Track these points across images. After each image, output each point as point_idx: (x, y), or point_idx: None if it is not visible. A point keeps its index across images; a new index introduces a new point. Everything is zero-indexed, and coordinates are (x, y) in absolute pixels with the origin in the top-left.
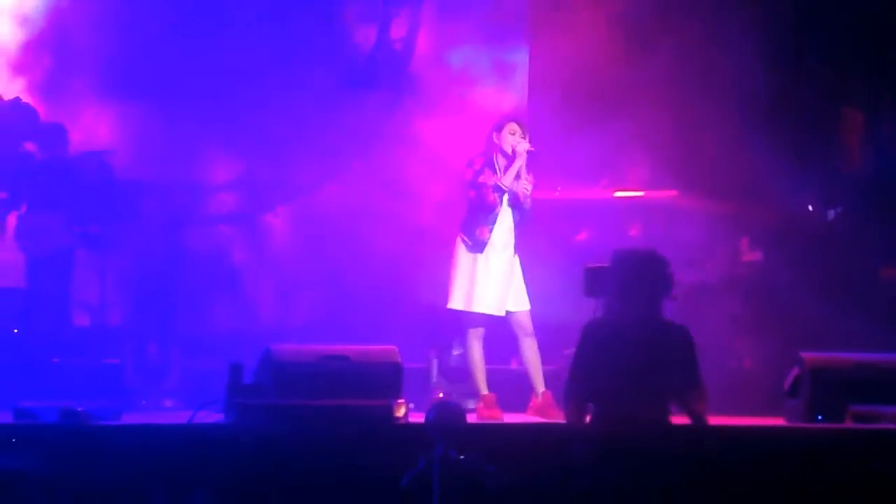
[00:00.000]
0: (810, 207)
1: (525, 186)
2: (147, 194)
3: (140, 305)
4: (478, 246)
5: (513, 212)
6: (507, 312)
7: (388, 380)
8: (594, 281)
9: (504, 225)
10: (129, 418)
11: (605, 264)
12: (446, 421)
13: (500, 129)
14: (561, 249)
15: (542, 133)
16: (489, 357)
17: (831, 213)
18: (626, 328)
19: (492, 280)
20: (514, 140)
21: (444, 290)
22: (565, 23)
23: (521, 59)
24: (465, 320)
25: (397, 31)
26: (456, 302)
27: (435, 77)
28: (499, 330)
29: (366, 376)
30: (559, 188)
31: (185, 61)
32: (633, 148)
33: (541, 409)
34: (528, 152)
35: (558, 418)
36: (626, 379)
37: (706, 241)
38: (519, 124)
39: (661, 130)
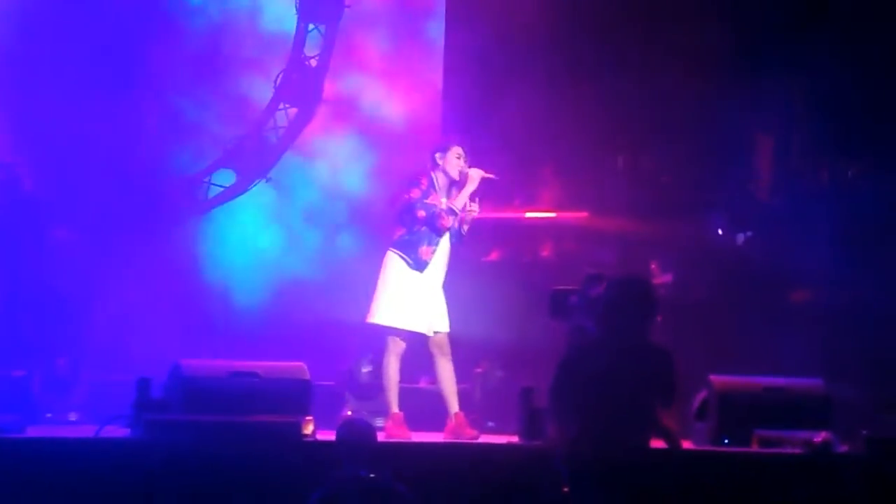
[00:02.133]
0: (720, 231)
1: (471, 211)
2: (54, 207)
3: (49, 317)
4: (419, 265)
5: (451, 235)
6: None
7: (296, 397)
8: (560, 303)
9: (443, 247)
10: (34, 431)
11: (570, 287)
12: (356, 439)
13: (444, 150)
14: (473, 269)
15: None
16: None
17: (741, 237)
18: (613, 351)
19: (425, 299)
20: (461, 164)
21: (355, 306)
22: (479, 45)
23: (434, 78)
24: (386, 337)
25: (311, 47)
26: (382, 317)
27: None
28: (407, 348)
29: (274, 393)
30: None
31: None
32: (545, 169)
33: (455, 430)
34: (485, 178)
35: (471, 438)
36: (611, 401)
37: (617, 262)
38: (462, 146)
39: (574, 152)
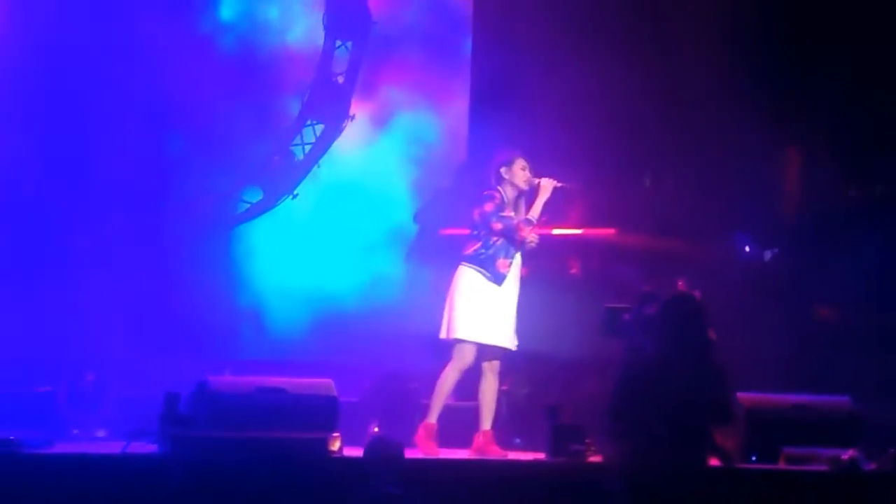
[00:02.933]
0: (747, 248)
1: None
2: (82, 221)
3: (76, 332)
4: (497, 278)
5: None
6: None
7: (323, 413)
8: (613, 320)
9: (517, 261)
10: (61, 447)
11: (624, 305)
12: (385, 456)
13: (510, 163)
14: None
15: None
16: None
17: (768, 254)
18: (671, 371)
19: (505, 313)
20: (527, 175)
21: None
22: (508, 61)
23: (462, 94)
24: (459, 349)
25: (339, 64)
26: (463, 332)
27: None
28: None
29: (301, 409)
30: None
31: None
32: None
33: (482, 447)
34: (556, 188)
35: (497, 457)
36: (670, 420)
37: (644, 279)
38: (525, 159)
39: (600, 170)
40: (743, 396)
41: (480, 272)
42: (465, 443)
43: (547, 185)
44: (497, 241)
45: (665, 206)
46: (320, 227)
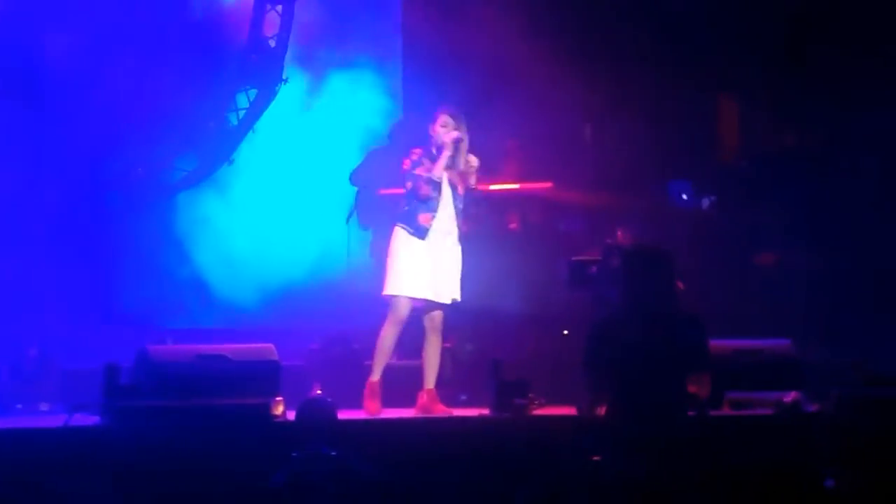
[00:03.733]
0: (684, 196)
1: (465, 172)
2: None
3: (17, 307)
4: (420, 232)
5: (454, 200)
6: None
7: (265, 378)
8: (579, 274)
9: (446, 212)
10: (4, 422)
11: (589, 258)
12: (317, 417)
13: (434, 120)
14: None
15: (418, 129)
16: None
17: (706, 202)
18: (641, 321)
19: (432, 267)
20: (445, 131)
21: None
22: (440, 15)
23: (395, 53)
24: (393, 305)
25: (270, 27)
26: (393, 288)
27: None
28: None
29: (243, 375)
30: None
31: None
32: (509, 141)
33: (426, 406)
34: (455, 140)
35: (446, 413)
36: (644, 370)
37: (583, 232)
38: (451, 114)
39: (537, 123)
40: None
41: (405, 228)
42: (412, 402)
43: (446, 140)
44: (413, 198)
45: (603, 156)
46: (261, 193)
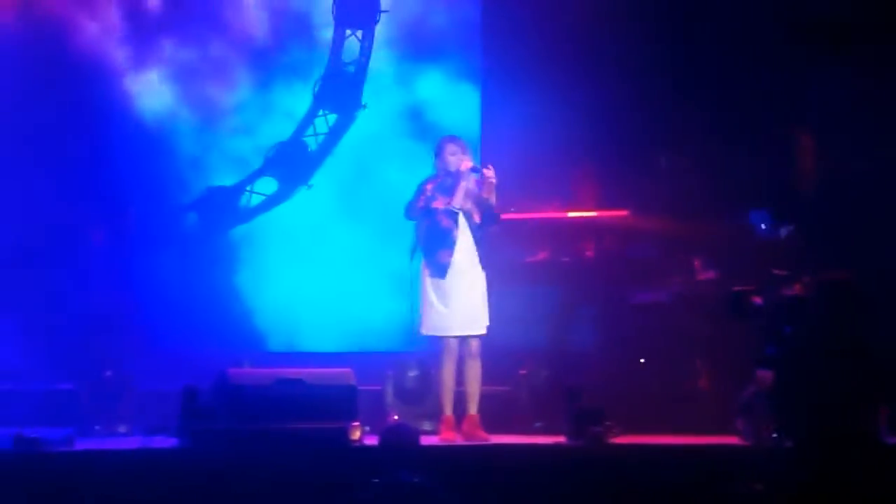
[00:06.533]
0: (763, 226)
1: (483, 202)
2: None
3: (96, 328)
4: (439, 271)
5: (472, 231)
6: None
7: (343, 402)
8: (742, 304)
9: (465, 245)
10: (83, 444)
11: (751, 287)
12: (399, 443)
13: (440, 151)
14: (515, 270)
15: (495, 154)
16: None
17: (784, 231)
18: (838, 356)
19: (456, 304)
20: (456, 159)
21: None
22: (519, 46)
23: (474, 81)
24: (440, 344)
25: (350, 53)
26: (427, 328)
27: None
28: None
29: (321, 399)
30: (513, 208)
31: None
32: (585, 168)
33: (468, 432)
34: (472, 169)
35: (482, 441)
36: (840, 405)
37: (660, 260)
38: (455, 142)
39: (614, 151)
40: (762, 374)
41: (427, 266)
42: (497, 428)
43: (462, 169)
44: (431, 234)
45: (681, 185)
46: (336, 217)
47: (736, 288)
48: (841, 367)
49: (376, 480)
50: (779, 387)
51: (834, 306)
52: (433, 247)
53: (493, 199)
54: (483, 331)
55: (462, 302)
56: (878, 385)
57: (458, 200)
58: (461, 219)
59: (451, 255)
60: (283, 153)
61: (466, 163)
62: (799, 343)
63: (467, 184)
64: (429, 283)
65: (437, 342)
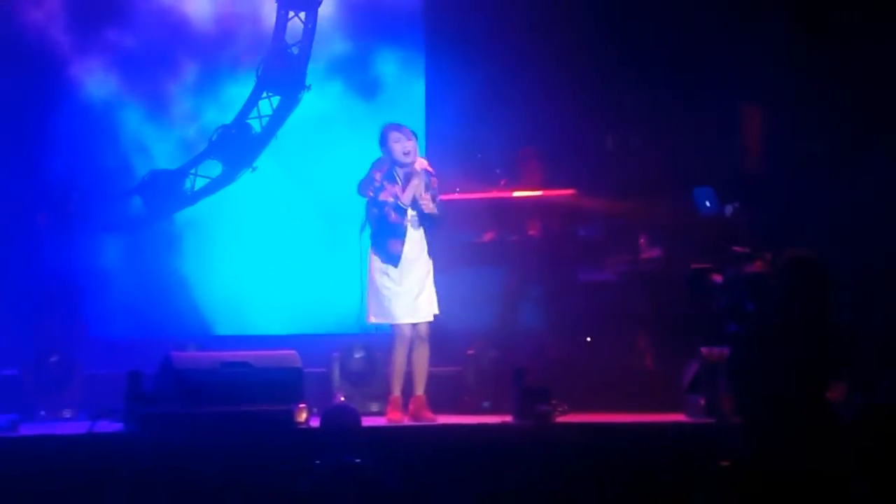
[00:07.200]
0: (708, 204)
1: (427, 203)
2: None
3: (40, 314)
4: (391, 260)
5: (422, 220)
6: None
7: (288, 385)
8: (701, 282)
9: (416, 236)
10: (28, 430)
11: (710, 266)
12: (340, 425)
13: (384, 140)
14: (461, 251)
15: (440, 135)
16: None
17: (729, 209)
18: (801, 335)
19: (406, 291)
20: (401, 146)
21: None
22: (462, 24)
23: (418, 63)
24: (392, 329)
25: (293, 35)
26: (376, 315)
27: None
28: None
29: (266, 382)
30: (458, 189)
31: None
32: (531, 148)
33: (415, 412)
34: (425, 169)
35: (429, 421)
36: (797, 381)
37: (605, 239)
38: (399, 129)
39: (560, 131)
40: (707, 351)
41: (377, 254)
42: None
43: (418, 168)
44: (380, 224)
45: (625, 164)
46: (282, 200)
47: (695, 265)
48: (803, 343)
49: (318, 462)
50: (740, 363)
51: (797, 283)
52: (383, 237)
53: (435, 210)
54: (431, 318)
55: (410, 290)
56: (838, 360)
57: (408, 198)
58: (410, 211)
59: (401, 244)
60: (226, 136)
61: (421, 162)
62: (762, 320)
63: (419, 182)
64: (377, 270)
65: (386, 326)
